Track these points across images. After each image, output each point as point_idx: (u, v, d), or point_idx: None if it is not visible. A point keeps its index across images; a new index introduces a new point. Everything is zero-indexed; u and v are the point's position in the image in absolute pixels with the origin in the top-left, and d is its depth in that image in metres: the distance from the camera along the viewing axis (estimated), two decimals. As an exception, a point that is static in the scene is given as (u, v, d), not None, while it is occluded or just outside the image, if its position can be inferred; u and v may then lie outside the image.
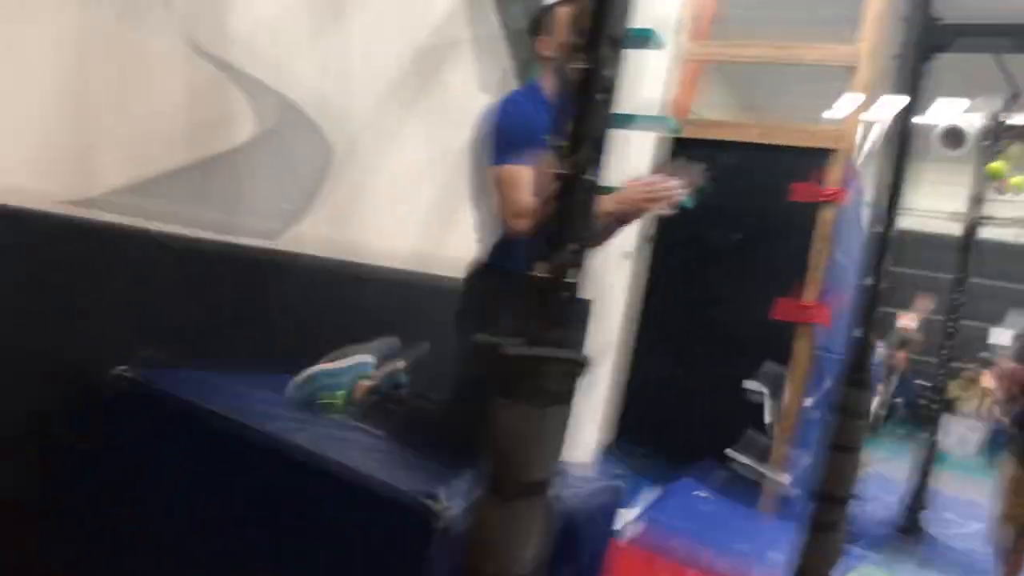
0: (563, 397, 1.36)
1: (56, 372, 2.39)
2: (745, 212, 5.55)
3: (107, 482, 2.41)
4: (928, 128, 8.37)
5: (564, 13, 2.41)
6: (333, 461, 2.08)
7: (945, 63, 3.42)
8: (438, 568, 1.89)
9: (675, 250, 5.51)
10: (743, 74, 5.79)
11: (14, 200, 2.23)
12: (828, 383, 5.47)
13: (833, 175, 5.40)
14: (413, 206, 3.47)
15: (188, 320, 2.70)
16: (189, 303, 2.69)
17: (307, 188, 3.03)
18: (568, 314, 1.37)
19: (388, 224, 3.36)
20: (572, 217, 1.35)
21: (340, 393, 2.56)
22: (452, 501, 1.92)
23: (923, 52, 3.53)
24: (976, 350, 12.02)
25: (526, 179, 2.30)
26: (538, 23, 2.49)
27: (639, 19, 2.42)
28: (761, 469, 5.26)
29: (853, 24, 5.49)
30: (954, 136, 8.10)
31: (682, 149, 5.07)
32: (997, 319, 11.86)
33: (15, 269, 2.24)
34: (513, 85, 3.80)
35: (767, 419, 5.23)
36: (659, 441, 5.21)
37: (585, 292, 4.17)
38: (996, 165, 4.97)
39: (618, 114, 2.19)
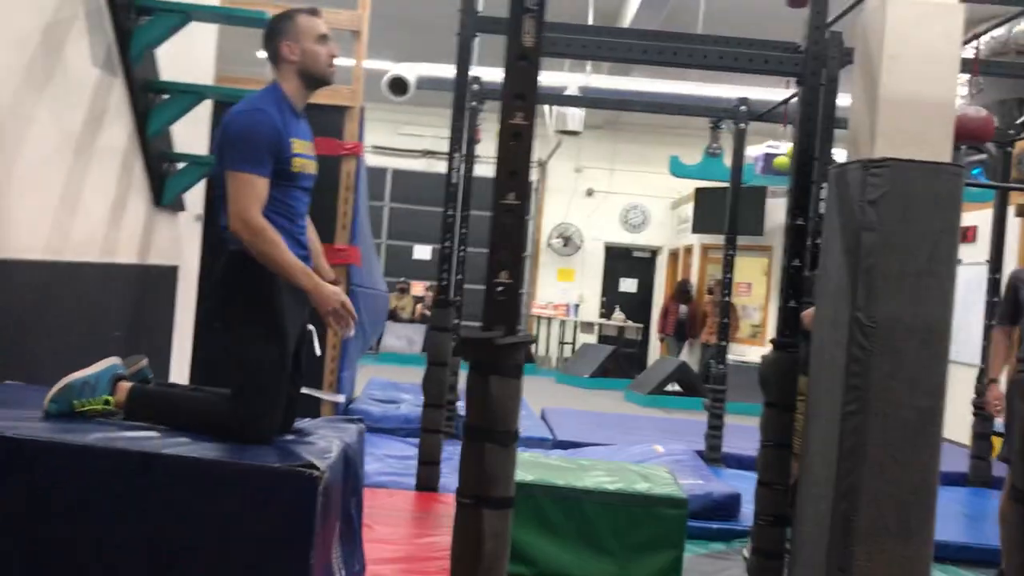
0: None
1: None
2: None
3: None
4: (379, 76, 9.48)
5: (306, 21, 2.69)
6: (187, 458, 2.24)
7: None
8: (324, 516, 2.26)
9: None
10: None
11: None
12: (364, 315, 6.26)
13: (349, 130, 6.10)
14: (45, 193, 3.31)
15: None
16: None
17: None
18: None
19: (27, 214, 3.19)
20: (510, 238, 1.87)
21: (102, 397, 2.56)
22: (322, 466, 2.28)
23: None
24: (403, 265, 13.91)
25: (260, 191, 2.56)
26: (279, 28, 2.68)
27: None
28: (318, 394, 5.89)
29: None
30: (399, 84, 9.32)
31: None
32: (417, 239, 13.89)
33: None
34: (117, 60, 3.75)
35: (318, 352, 5.85)
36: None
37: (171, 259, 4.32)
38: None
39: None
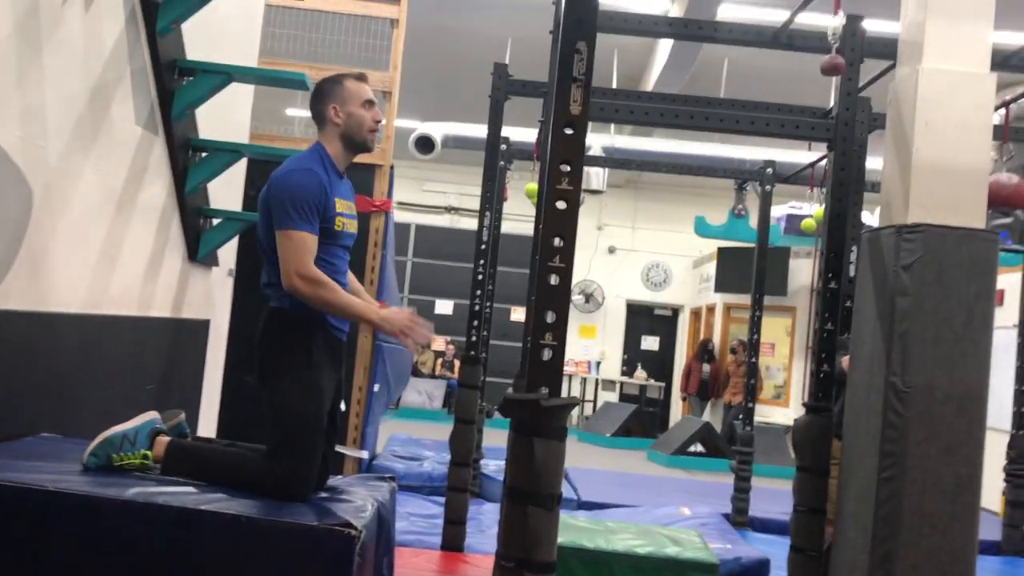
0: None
1: None
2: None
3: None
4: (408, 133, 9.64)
5: (354, 86, 2.76)
6: (226, 514, 2.24)
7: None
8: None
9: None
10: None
11: None
12: (389, 370, 6.28)
13: (379, 188, 6.19)
14: (87, 248, 3.37)
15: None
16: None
17: (14, 237, 2.85)
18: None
19: (69, 269, 3.24)
20: (556, 300, 1.89)
21: (141, 451, 2.58)
22: (359, 524, 2.28)
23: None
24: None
25: (312, 248, 2.61)
26: (327, 91, 2.75)
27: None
28: (343, 450, 5.88)
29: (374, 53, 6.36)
30: (426, 143, 9.46)
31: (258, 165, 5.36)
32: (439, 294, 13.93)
33: None
34: (159, 119, 3.84)
35: (343, 407, 5.87)
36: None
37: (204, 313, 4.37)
38: (531, 187, 6.19)
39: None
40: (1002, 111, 4.11)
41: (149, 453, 2.59)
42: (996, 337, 3.38)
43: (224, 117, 4.62)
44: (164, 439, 2.63)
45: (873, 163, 5.68)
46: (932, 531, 2.94)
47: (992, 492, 6.10)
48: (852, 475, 3.15)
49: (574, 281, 14.68)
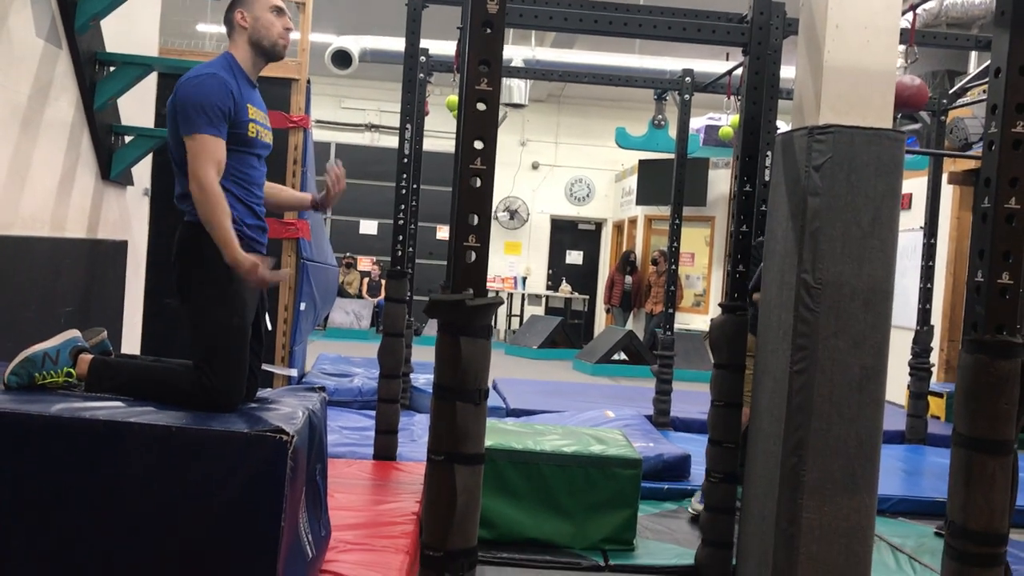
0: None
1: None
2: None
3: None
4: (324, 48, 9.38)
5: None
6: (156, 426, 2.25)
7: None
8: (293, 481, 2.30)
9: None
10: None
11: None
12: (315, 289, 6.25)
13: (296, 103, 6.06)
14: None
15: None
16: None
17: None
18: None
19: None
20: (478, 202, 1.92)
21: (64, 369, 2.55)
22: (291, 430, 2.31)
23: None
24: (350, 240, 13.82)
25: (216, 153, 2.55)
26: None
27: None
28: (271, 368, 5.87)
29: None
30: (343, 57, 9.24)
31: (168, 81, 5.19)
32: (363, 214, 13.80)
33: None
34: (61, 32, 3.68)
35: (268, 326, 5.83)
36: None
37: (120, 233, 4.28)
38: (452, 99, 6.12)
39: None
40: (909, 15, 4.20)
41: (72, 371, 2.57)
42: (903, 239, 3.54)
43: (131, 31, 4.46)
44: (87, 356, 2.61)
45: (786, 72, 5.77)
46: (840, 419, 3.11)
47: (898, 387, 6.43)
48: (766, 370, 3.30)
49: (498, 198, 14.75)
